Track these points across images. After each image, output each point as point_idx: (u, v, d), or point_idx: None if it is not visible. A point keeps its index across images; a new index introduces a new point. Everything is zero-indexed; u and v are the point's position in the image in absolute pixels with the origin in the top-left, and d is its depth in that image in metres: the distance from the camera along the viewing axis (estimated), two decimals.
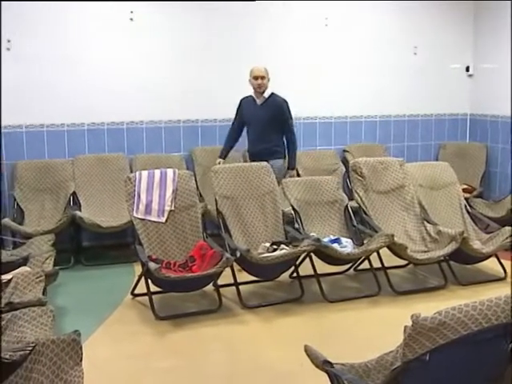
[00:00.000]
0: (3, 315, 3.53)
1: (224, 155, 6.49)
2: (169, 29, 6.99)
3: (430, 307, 2.54)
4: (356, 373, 2.89)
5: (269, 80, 6.24)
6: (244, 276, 5.27)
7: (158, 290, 5.05)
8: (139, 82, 6.84)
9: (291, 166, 6.42)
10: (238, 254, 4.98)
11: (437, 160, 7.96)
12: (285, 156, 6.37)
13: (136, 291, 5.29)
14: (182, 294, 5.19)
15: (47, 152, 6.72)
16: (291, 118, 6.38)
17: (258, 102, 6.30)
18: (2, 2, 6.17)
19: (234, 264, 5.08)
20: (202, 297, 5.26)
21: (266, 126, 6.25)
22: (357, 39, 7.81)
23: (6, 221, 6.07)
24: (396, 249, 5.40)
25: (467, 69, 8.38)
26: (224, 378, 3.96)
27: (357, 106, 7.95)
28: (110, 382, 3.85)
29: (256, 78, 6.19)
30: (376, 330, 4.61)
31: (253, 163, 6.02)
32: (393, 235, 5.29)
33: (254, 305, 5.14)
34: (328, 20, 7.64)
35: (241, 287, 5.22)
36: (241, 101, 6.44)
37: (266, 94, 6.28)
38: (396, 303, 5.21)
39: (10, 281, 4.18)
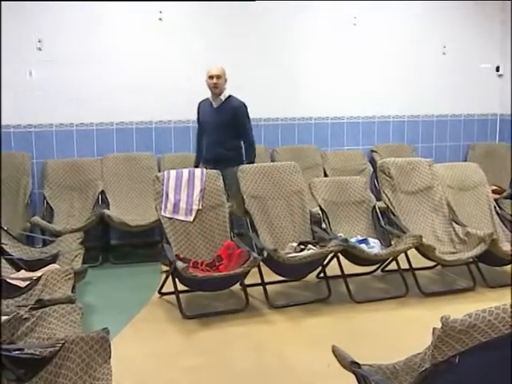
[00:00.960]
0: (33, 312, 3.58)
1: (198, 164, 6.15)
2: (198, 28, 7.01)
3: (458, 309, 2.52)
4: (383, 374, 2.88)
5: (226, 81, 5.90)
6: (271, 276, 5.27)
7: (186, 288, 5.07)
8: (168, 81, 6.87)
9: None
10: (266, 254, 4.99)
11: (466, 161, 7.90)
12: (242, 164, 5.82)
13: (163, 290, 5.33)
14: (209, 293, 5.21)
15: (76, 151, 6.79)
16: (250, 122, 5.99)
17: (215, 104, 5.92)
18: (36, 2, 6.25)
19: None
20: (229, 296, 5.28)
21: (221, 130, 5.86)
22: (385, 38, 7.76)
23: (36, 219, 6.14)
24: (424, 250, 5.36)
25: (497, 69, 8.29)
26: (250, 377, 3.96)
27: (385, 106, 7.91)
28: (138, 380, 3.88)
29: (211, 77, 5.80)
30: (403, 331, 4.58)
31: (281, 163, 6.01)
32: (421, 236, 5.26)
33: (280, 304, 5.14)
34: (356, 19, 7.61)
35: (268, 287, 5.22)
36: (199, 104, 6.12)
37: (223, 97, 5.90)
38: (424, 305, 5.18)
39: (39, 278, 4.23)
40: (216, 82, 5.78)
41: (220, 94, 5.86)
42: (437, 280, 5.82)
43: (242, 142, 5.99)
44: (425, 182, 5.99)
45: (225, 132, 5.85)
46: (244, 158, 5.96)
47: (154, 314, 4.99)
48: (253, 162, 5.91)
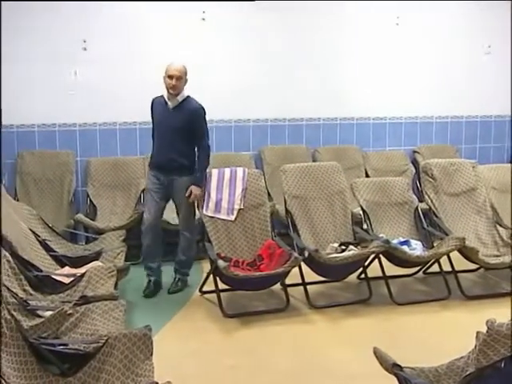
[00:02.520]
0: (77, 308, 3.63)
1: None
2: (240, 28, 7.02)
3: (501, 313, 2.50)
4: (426, 377, 2.86)
5: (186, 82, 5.25)
6: (312, 276, 5.26)
7: (226, 287, 5.09)
8: (210, 81, 6.89)
9: (197, 182, 5.31)
10: (307, 254, 4.98)
11: (510, 162, 7.77)
12: (193, 174, 5.34)
13: (204, 288, 5.36)
14: (250, 292, 5.22)
15: (119, 149, 6.87)
16: (207, 127, 5.40)
17: (170, 104, 5.25)
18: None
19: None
20: (269, 296, 5.28)
21: (176, 133, 5.22)
22: (428, 38, 7.68)
23: (80, 216, 6.22)
24: (467, 252, 5.30)
25: None
26: (290, 376, 3.96)
27: (427, 107, 7.83)
28: (178, 378, 3.86)
29: (170, 77, 5.13)
30: (445, 334, 4.54)
31: (323, 163, 5.99)
32: (464, 238, 5.20)
33: (321, 305, 5.13)
34: (399, 19, 7.55)
35: (308, 287, 5.22)
36: (153, 100, 5.44)
37: (181, 97, 5.25)
38: (466, 308, 5.11)
39: (83, 275, 4.28)
40: (175, 84, 5.14)
41: (177, 95, 5.22)
42: (479, 283, 5.74)
43: (195, 150, 5.36)
44: (468, 184, 5.93)
45: (178, 136, 5.22)
46: (196, 167, 5.35)
47: (194, 312, 5.02)
48: (206, 169, 5.41)
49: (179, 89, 5.19)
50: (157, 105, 5.37)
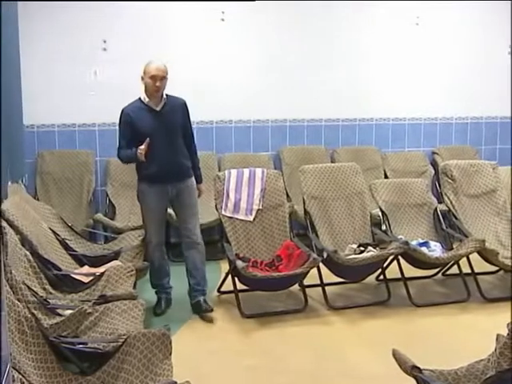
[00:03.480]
0: (97, 307, 3.65)
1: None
2: (259, 28, 7.03)
3: None
4: (445, 380, 2.84)
5: (167, 80, 4.79)
6: (330, 277, 5.25)
7: (245, 288, 5.09)
8: (229, 81, 6.91)
9: (200, 180, 5.13)
10: (325, 255, 4.98)
11: None
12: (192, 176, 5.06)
13: (222, 288, 5.37)
14: (268, 292, 5.22)
15: None
16: None
17: (156, 107, 4.78)
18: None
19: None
20: (287, 296, 5.28)
21: (172, 135, 4.81)
22: (448, 38, 7.64)
23: (99, 216, 6.26)
24: (487, 254, 5.27)
25: None
26: (308, 377, 3.96)
27: (447, 107, 7.79)
28: (196, 377, 3.87)
29: (153, 77, 4.65)
30: (465, 336, 4.51)
31: (342, 163, 5.97)
32: (484, 240, 5.17)
33: (339, 306, 5.12)
34: (419, 19, 7.52)
35: (327, 288, 5.21)
36: (125, 112, 4.79)
37: (163, 97, 4.85)
38: (486, 310, 5.08)
39: (102, 274, 4.31)
40: (160, 85, 4.70)
41: (161, 96, 4.82)
42: (499, 285, 5.69)
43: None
44: (488, 185, 5.89)
45: (175, 136, 4.84)
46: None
47: (212, 312, 5.03)
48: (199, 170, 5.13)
49: (163, 89, 4.77)
50: (135, 113, 4.75)
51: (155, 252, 4.99)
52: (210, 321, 4.85)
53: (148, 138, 4.58)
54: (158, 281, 5.13)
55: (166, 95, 4.84)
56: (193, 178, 5.00)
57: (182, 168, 4.91)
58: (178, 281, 5.33)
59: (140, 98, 4.82)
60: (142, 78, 4.75)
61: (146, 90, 4.76)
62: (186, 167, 4.94)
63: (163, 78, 4.71)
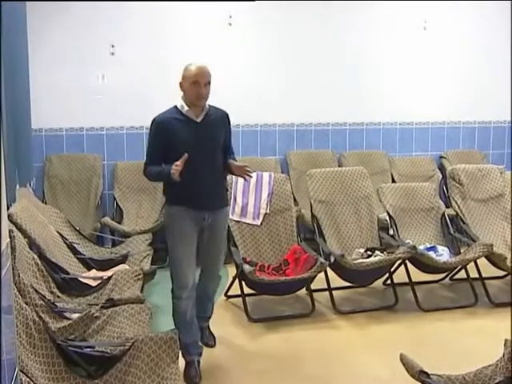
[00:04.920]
0: (104, 311, 3.66)
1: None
2: (266, 33, 7.03)
3: None
4: None
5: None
6: (337, 281, 5.24)
7: (252, 292, 5.09)
8: (236, 85, 6.92)
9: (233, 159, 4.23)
10: (332, 259, 4.97)
11: None
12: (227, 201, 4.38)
13: (230, 293, 5.37)
14: (275, 297, 5.22)
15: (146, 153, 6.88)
16: None
17: (197, 118, 3.96)
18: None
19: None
20: (295, 300, 5.28)
21: (215, 152, 4.01)
22: (456, 42, 7.64)
23: (106, 219, 6.28)
24: (494, 259, 5.26)
25: None
26: (316, 381, 3.96)
27: (454, 112, 7.78)
28: (203, 382, 3.92)
29: (197, 84, 3.86)
30: (472, 341, 4.49)
31: (349, 168, 5.96)
32: (491, 245, 5.16)
33: (346, 310, 5.11)
34: (427, 23, 7.52)
35: (334, 292, 5.20)
36: (158, 123, 3.95)
37: (205, 106, 4.01)
38: (493, 315, 5.06)
39: (110, 278, 4.32)
40: (203, 93, 3.91)
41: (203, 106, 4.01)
42: (507, 290, 5.66)
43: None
44: (496, 190, 5.88)
45: (215, 153, 4.03)
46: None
47: (219, 316, 5.02)
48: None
49: (207, 97, 3.97)
50: (171, 124, 3.93)
51: (189, 300, 4.01)
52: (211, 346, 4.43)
53: (186, 154, 3.71)
54: (191, 338, 4.03)
55: (210, 106, 4.06)
56: (227, 207, 4.31)
57: (223, 192, 4.15)
58: None
59: (176, 107, 4.00)
60: (181, 85, 3.96)
61: (185, 98, 3.97)
62: (224, 192, 4.20)
63: (208, 84, 3.92)
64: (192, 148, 3.80)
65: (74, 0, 6.38)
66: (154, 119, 3.97)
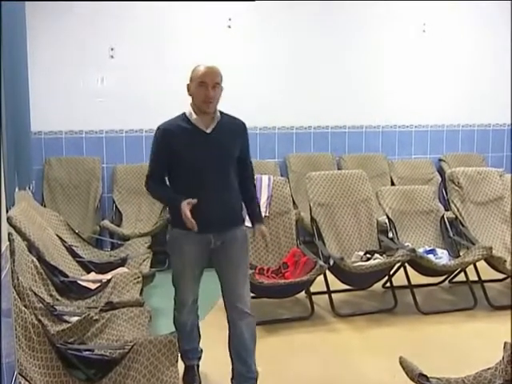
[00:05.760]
0: (103, 314, 3.66)
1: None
2: (265, 36, 7.04)
3: None
4: None
5: (222, 90, 3.56)
6: (337, 284, 5.24)
7: (251, 295, 5.07)
8: (235, 88, 6.88)
9: (259, 219, 3.77)
10: (332, 262, 4.98)
11: None
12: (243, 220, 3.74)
13: None
14: (275, 299, 5.22)
15: (145, 156, 6.88)
16: None
17: (206, 128, 3.49)
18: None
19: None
20: (294, 303, 5.27)
21: (225, 168, 3.54)
22: (455, 46, 7.65)
23: (105, 222, 6.28)
24: (494, 262, 5.26)
25: None
26: None
27: (454, 114, 7.79)
28: None
29: (204, 84, 3.44)
30: (472, 344, 4.49)
31: (348, 171, 5.96)
32: (491, 248, 5.16)
33: (346, 313, 5.11)
34: (426, 26, 7.53)
35: (333, 295, 5.20)
36: (163, 132, 3.56)
37: (217, 114, 3.57)
38: (493, 318, 5.06)
39: (109, 281, 4.32)
40: (211, 96, 3.45)
41: (213, 112, 3.55)
42: (507, 293, 5.66)
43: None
44: (495, 193, 5.88)
45: (226, 169, 3.56)
46: (245, 202, 3.75)
47: (219, 319, 4.97)
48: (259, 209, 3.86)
49: (217, 102, 3.53)
50: (176, 133, 3.51)
51: (190, 314, 3.87)
52: None
53: (195, 200, 3.32)
54: (190, 345, 3.93)
55: (221, 113, 3.59)
56: (244, 226, 3.70)
57: (233, 212, 3.61)
58: None
59: (185, 114, 3.57)
60: (188, 88, 3.56)
61: (193, 104, 3.54)
62: (237, 211, 3.66)
63: (216, 86, 3.48)
64: (198, 163, 3.46)
65: (73, 0, 6.39)
66: (159, 127, 3.59)
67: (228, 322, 3.70)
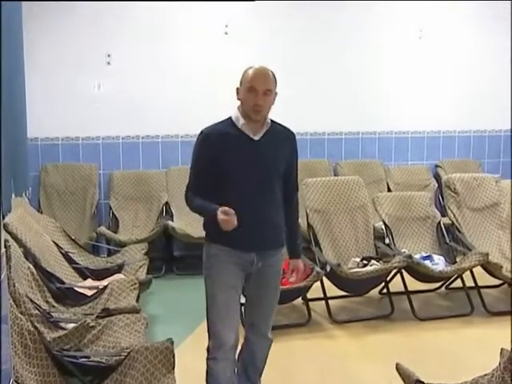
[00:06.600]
0: (100, 320, 3.66)
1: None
2: (262, 43, 7.02)
3: None
4: None
5: (276, 95, 3.22)
6: (333, 290, 5.24)
7: None
8: (232, 94, 6.91)
9: (298, 252, 3.48)
10: (328, 269, 4.97)
11: None
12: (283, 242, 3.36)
13: None
14: None
15: (142, 163, 6.91)
16: None
17: (254, 135, 3.18)
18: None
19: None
20: (291, 310, 5.26)
21: (272, 181, 3.22)
22: (451, 52, 7.66)
23: (102, 229, 6.27)
24: (490, 268, 5.26)
25: None
26: None
27: (450, 121, 7.80)
28: None
29: (253, 90, 3.14)
30: (469, 350, 4.48)
31: (345, 177, 5.95)
32: (487, 254, 5.16)
33: (343, 320, 5.10)
34: (422, 32, 7.55)
35: (330, 301, 5.19)
36: (206, 136, 3.21)
37: (268, 121, 3.25)
38: (490, 324, 5.06)
39: (105, 287, 4.31)
40: (263, 104, 3.13)
41: (263, 119, 3.22)
42: (503, 299, 5.67)
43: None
44: (491, 199, 5.89)
45: (276, 183, 3.25)
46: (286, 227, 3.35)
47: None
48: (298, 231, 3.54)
49: (267, 110, 3.20)
50: (222, 138, 3.17)
51: (226, 362, 3.26)
52: None
53: (232, 210, 2.96)
54: None
55: (271, 121, 3.26)
56: (281, 250, 3.33)
57: (277, 231, 3.28)
58: (184, 292, 5.33)
59: (231, 118, 3.27)
60: (238, 92, 3.30)
61: (242, 108, 3.25)
62: (281, 230, 3.30)
63: (268, 93, 3.14)
64: (244, 171, 3.13)
65: (73, 0, 6.43)
66: (202, 131, 3.24)
67: (244, 338, 3.46)
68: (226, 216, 2.93)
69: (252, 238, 3.13)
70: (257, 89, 3.10)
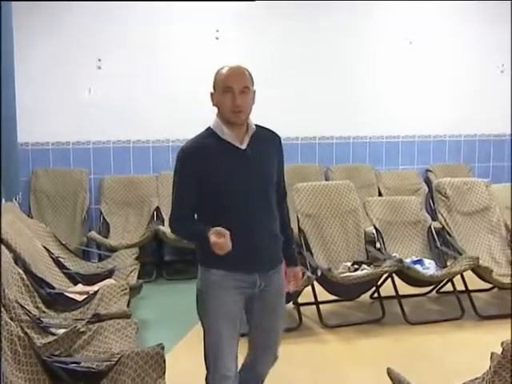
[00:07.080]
0: (90, 326, 3.64)
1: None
2: (253, 48, 7.03)
3: None
4: None
5: (254, 95, 2.96)
6: (324, 295, 5.24)
7: None
8: None
9: (295, 259, 3.22)
10: (319, 273, 4.97)
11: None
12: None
13: None
14: None
15: (133, 167, 6.90)
16: None
17: (241, 143, 2.86)
18: None
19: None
20: None
21: (266, 192, 2.92)
22: (441, 57, 7.69)
23: (93, 234, 6.26)
24: (481, 272, 5.27)
25: None
26: None
27: (440, 125, 7.82)
28: None
29: (229, 89, 2.83)
30: (459, 354, 4.49)
31: (336, 181, 5.96)
32: (478, 258, 5.17)
33: (334, 324, 5.10)
34: (413, 37, 7.58)
35: (321, 306, 5.19)
36: (188, 153, 2.87)
37: (252, 126, 2.95)
38: (480, 328, 5.07)
39: (96, 292, 4.30)
40: (240, 104, 2.82)
41: (246, 123, 2.92)
42: (494, 303, 5.69)
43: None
44: (482, 203, 5.90)
45: (270, 194, 2.95)
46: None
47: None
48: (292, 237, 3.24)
49: (248, 111, 2.90)
50: (206, 152, 2.84)
51: None
52: None
53: (227, 231, 2.64)
54: None
55: (255, 125, 2.96)
56: (281, 265, 3.06)
57: (277, 243, 3.01)
58: (174, 297, 5.31)
59: (211, 128, 2.92)
60: (212, 97, 2.94)
61: (220, 114, 2.90)
62: (280, 241, 3.03)
63: (246, 90, 2.85)
64: (236, 185, 2.82)
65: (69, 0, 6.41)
66: (182, 148, 2.88)
67: (249, 350, 3.18)
68: (219, 238, 2.62)
69: (254, 258, 2.85)
70: (233, 87, 2.80)
